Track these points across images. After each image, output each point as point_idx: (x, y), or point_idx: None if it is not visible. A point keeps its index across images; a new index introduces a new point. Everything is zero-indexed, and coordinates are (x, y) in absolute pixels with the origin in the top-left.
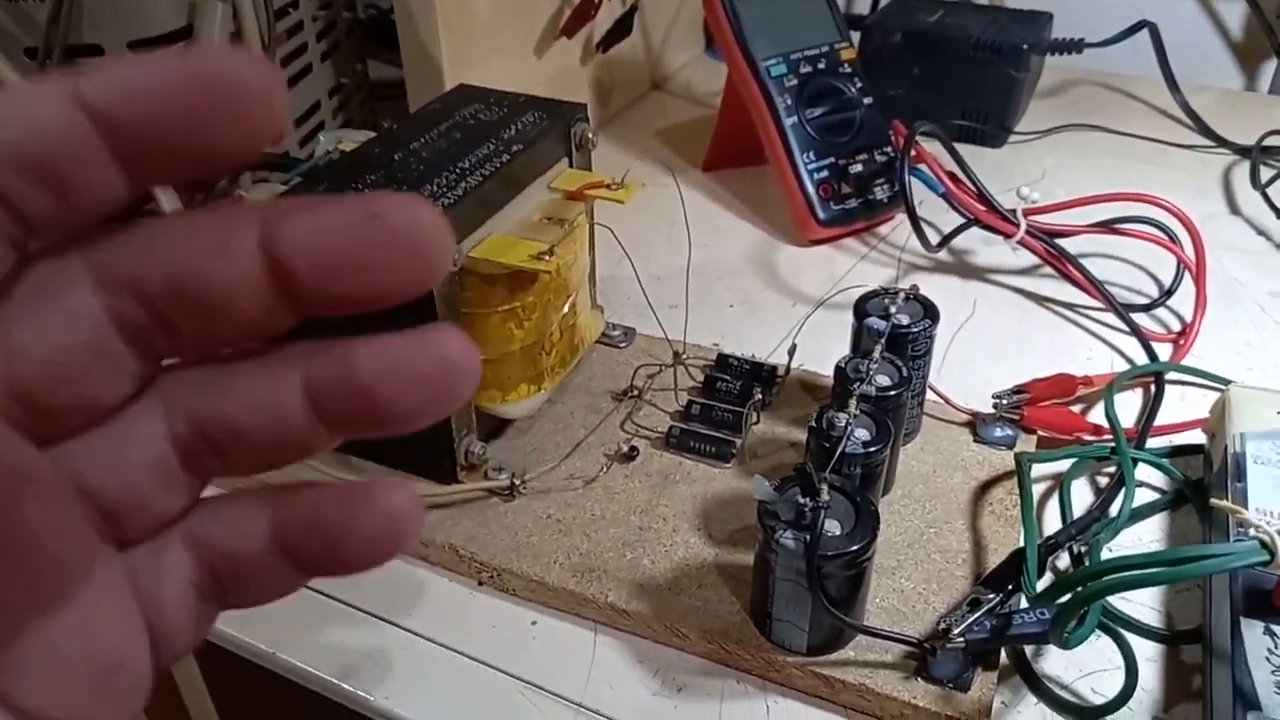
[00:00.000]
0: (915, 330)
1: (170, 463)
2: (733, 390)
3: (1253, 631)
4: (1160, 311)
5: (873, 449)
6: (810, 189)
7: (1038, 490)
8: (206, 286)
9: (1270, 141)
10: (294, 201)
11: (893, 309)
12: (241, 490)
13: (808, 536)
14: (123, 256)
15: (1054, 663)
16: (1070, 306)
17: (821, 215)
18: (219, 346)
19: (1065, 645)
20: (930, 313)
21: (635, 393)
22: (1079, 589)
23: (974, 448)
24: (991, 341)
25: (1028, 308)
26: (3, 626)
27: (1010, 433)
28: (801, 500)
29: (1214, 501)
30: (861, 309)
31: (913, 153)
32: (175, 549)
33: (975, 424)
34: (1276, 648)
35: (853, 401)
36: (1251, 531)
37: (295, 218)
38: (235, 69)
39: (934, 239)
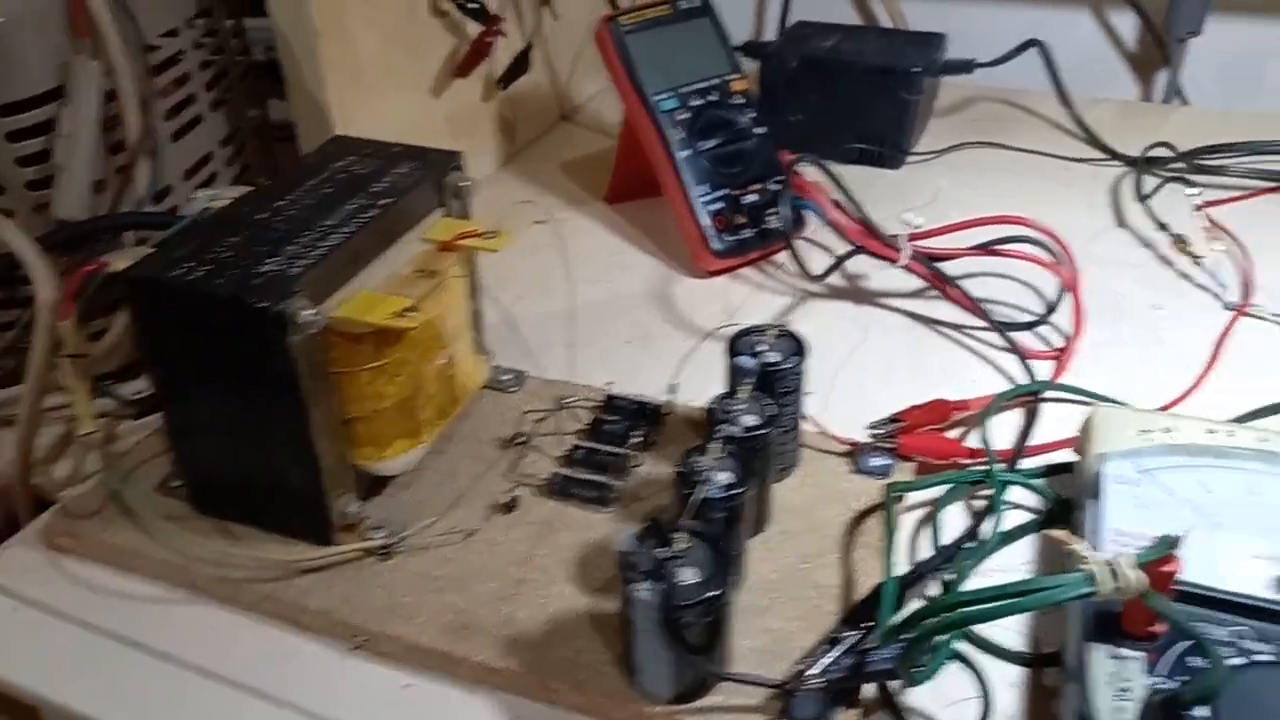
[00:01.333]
0: (784, 367)
1: None
2: (618, 432)
3: (1099, 655)
4: (1050, 331)
5: (734, 492)
6: (704, 221)
7: (917, 516)
8: None
9: (1155, 153)
10: None
11: (762, 347)
12: None
13: (661, 587)
14: None
15: (921, 694)
16: (958, 328)
17: (716, 246)
18: None
19: (912, 682)
20: (800, 349)
21: (521, 439)
22: (918, 626)
23: (853, 478)
24: (883, 367)
25: (919, 331)
26: None
27: (887, 461)
28: (658, 550)
29: (1046, 532)
30: (735, 347)
31: (797, 182)
32: None
33: (855, 454)
34: (1121, 672)
35: (714, 444)
36: (1083, 563)
37: None
38: None
39: (827, 265)
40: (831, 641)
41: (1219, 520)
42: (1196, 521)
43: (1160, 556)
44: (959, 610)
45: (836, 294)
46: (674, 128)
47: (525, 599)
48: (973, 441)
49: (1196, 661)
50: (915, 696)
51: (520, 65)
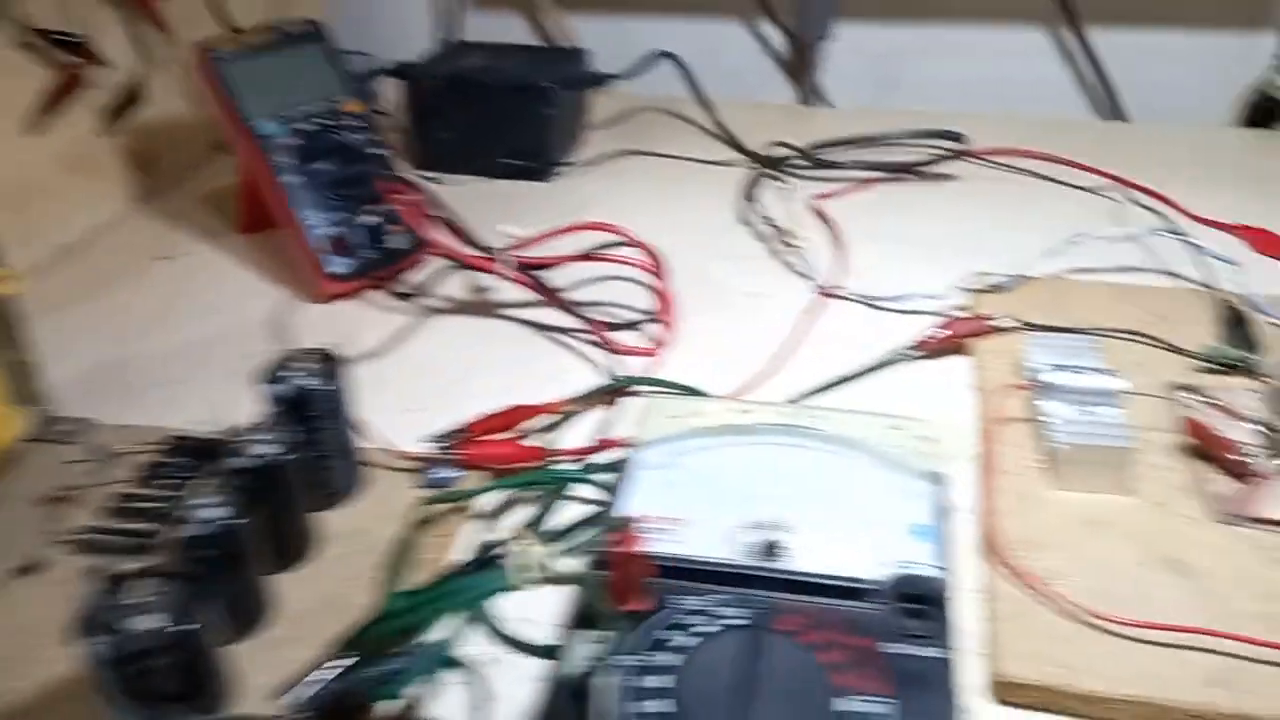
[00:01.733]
0: (316, 390)
1: None
2: (174, 474)
3: (579, 640)
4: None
5: (227, 527)
6: (319, 245)
7: (487, 524)
8: None
9: (778, 152)
10: None
11: (298, 372)
12: None
13: (111, 640)
14: None
15: (445, 703)
16: (569, 333)
17: (336, 270)
18: None
19: (379, 699)
20: (334, 372)
21: (65, 494)
22: (365, 640)
23: (420, 494)
24: (497, 377)
25: (535, 340)
26: None
27: (455, 473)
28: (116, 600)
29: (497, 535)
30: (270, 374)
31: (401, 201)
32: None
33: (425, 469)
34: (601, 653)
35: (204, 480)
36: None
37: None
38: None
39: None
40: (324, 666)
41: (726, 494)
42: (707, 498)
43: (617, 537)
44: (394, 621)
45: (461, 309)
46: (280, 153)
47: (30, 666)
48: (569, 442)
49: (666, 635)
50: (442, 705)
51: (131, 97)
